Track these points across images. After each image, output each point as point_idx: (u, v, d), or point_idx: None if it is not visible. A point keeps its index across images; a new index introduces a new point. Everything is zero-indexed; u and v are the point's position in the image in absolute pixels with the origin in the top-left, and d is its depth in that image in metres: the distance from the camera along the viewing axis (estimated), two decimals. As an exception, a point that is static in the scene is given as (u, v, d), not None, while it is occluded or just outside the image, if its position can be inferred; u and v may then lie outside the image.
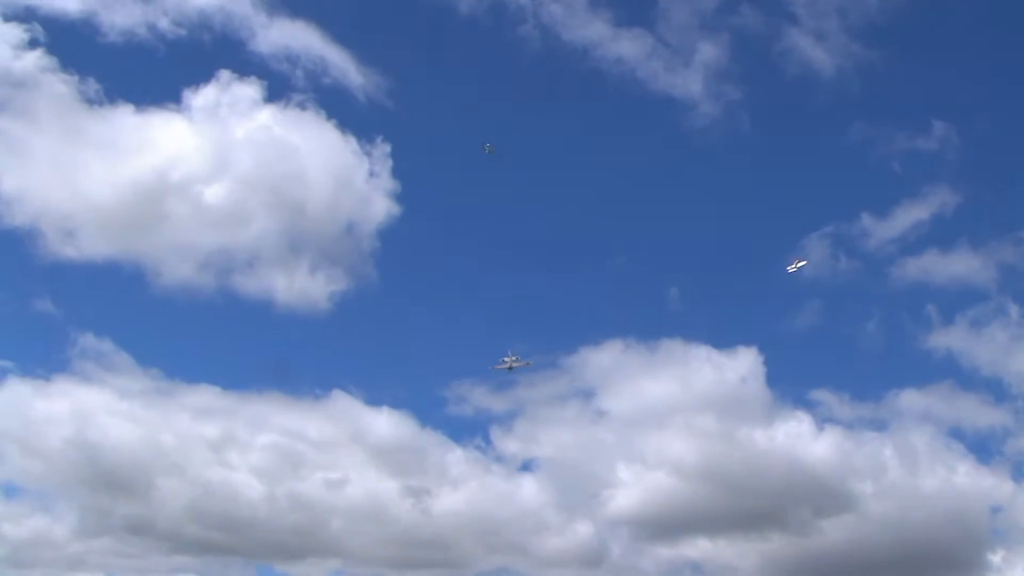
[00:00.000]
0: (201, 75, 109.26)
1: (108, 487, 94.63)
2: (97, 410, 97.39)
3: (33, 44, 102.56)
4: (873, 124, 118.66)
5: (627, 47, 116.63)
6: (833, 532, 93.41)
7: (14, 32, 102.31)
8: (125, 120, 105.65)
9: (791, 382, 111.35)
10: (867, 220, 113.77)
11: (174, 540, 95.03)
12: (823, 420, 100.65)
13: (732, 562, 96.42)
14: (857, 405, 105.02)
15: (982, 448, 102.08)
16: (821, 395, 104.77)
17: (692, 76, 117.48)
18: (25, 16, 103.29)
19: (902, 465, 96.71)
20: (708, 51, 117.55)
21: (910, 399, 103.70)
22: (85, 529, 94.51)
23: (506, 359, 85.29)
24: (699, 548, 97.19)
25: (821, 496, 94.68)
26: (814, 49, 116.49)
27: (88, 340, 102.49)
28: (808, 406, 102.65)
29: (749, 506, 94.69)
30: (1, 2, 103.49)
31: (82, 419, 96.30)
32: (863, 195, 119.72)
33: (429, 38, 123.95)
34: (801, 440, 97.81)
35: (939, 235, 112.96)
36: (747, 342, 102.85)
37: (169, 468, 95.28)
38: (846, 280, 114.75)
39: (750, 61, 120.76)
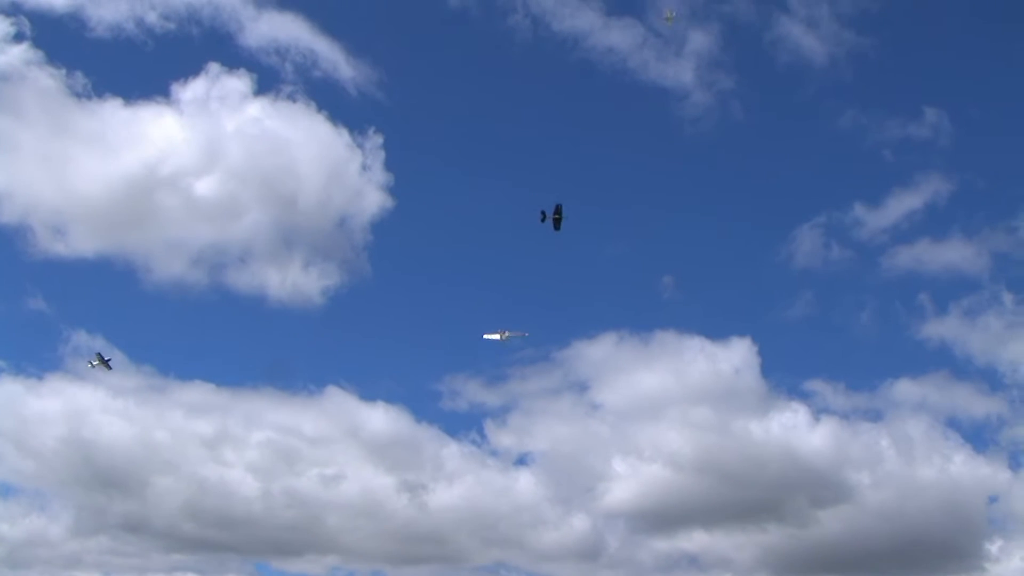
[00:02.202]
0: (190, 68, 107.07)
1: (103, 485, 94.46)
2: (91, 408, 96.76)
3: (19, 38, 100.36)
4: (865, 112, 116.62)
5: (618, 37, 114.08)
6: (830, 523, 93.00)
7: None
8: (114, 114, 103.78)
9: (786, 372, 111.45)
10: (859, 209, 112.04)
11: (170, 538, 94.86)
12: (818, 410, 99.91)
13: (729, 554, 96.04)
14: (852, 395, 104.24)
15: (978, 437, 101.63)
16: (816, 385, 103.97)
17: (683, 65, 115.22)
18: (11, 10, 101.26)
19: (898, 455, 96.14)
20: (699, 40, 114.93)
21: (905, 389, 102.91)
22: (81, 528, 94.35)
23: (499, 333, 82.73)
24: (696, 540, 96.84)
25: (818, 487, 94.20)
26: (805, 37, 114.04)
27: (80, 337, 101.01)
28: (803, 396, 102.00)
29: (746, 498, 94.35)
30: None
31: (76, 417, 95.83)
32: (855, 184, 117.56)
33: (419, 29, 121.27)
34: (797, 431, 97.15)
35: (932, 224, 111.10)
36: (741, 333, 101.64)
37: (164, 466, 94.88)
38: (839, 270, 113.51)
39: (741, 50, 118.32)
